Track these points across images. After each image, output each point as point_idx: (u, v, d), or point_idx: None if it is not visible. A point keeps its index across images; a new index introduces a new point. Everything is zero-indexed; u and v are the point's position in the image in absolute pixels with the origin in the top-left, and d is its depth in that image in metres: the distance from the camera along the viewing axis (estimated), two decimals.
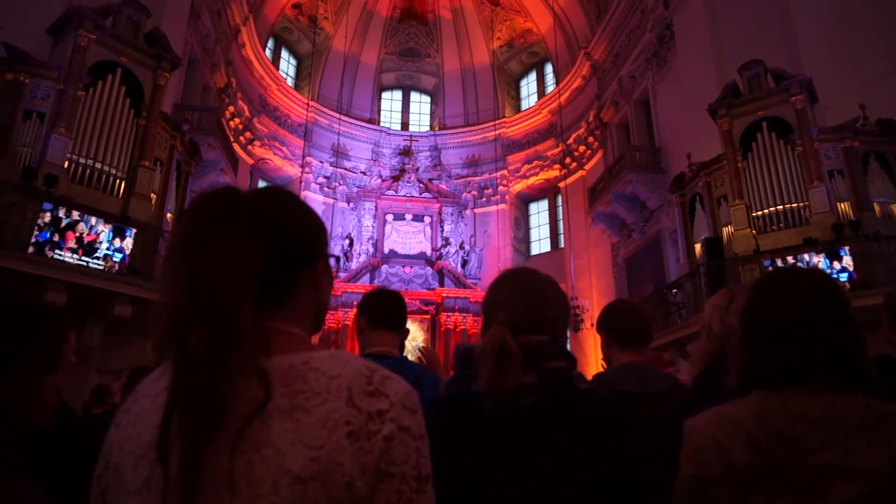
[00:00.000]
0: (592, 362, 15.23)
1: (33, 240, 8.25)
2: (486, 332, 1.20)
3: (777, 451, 1.04)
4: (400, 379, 0.79)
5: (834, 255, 9.48)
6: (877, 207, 9.84)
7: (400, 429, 0.74)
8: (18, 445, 0.99)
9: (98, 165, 9.23)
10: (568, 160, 19.90)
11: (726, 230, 11.00)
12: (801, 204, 10.17)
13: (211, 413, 0.69)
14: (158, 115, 10.15)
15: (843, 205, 9.92)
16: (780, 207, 10.37)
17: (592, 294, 17.61)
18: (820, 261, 9.52)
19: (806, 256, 9.68)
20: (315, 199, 20.23)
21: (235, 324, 0.73)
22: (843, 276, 9.21)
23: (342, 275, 18.93)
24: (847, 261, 9.36)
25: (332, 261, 0.95)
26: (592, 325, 16.19)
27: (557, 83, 20.62)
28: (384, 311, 2.08)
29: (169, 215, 10.41)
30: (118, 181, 9.45)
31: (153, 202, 9.97)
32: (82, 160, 9.06)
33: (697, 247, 11.61)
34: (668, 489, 1.20)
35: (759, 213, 10.58)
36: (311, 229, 0.92)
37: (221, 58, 16.22)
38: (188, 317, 0.73)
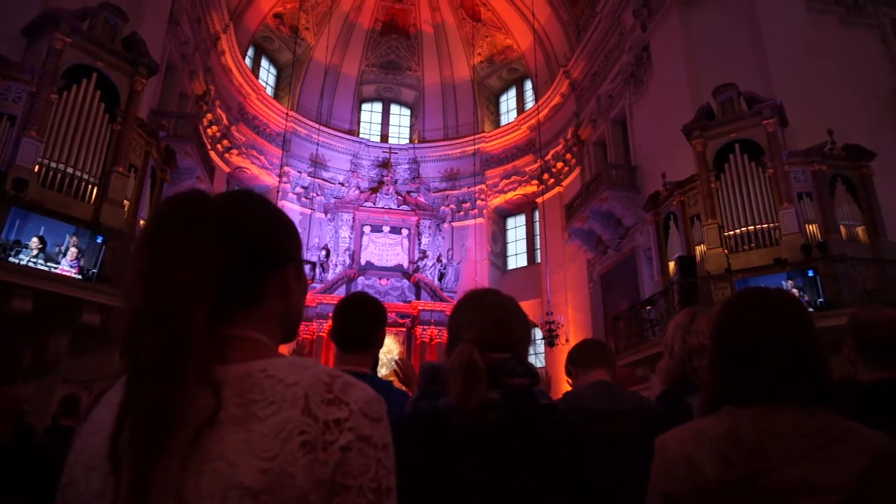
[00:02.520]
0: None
1: None
2: (451, 351, 1.21)
3: (747, 466, 1.05)
4: (364, 386, 0.75)
5: (804, 276, 9.69)
6: (843, 230, 10.11)
7: (359, 438, 0.70)
8: None
9: (70, 170, 9.05)
10: (546, 176, 20.09)
11: (699, 249, 11.18)
12: (772, 225, 10.38)
13: (160, 426, 0.67)
14: (134, 120, 10.01)
15: (811, 226, 10.16)
16: (752, 228, 10.57)
17: (568, 309, 17.73)
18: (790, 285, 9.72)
19: (786, 283, 9.75)
20: (292, 208, 20.09)
21: (188, 331, 0.70)
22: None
23: (318, 285, 18.80)
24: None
25: (307, 267, 0.94)
26: (567, 340, 16.31)
27: (536, 100, 20.86)
28: (350, 336, 2.05)
29: (142, 222, 10.25)
30: (90, 186, 9.28)
31: (126, 209, 9.82)
32: (53, 164, 8.88)
33: (671, 265, 11.77)
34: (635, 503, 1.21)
35: (731, 232, 10.77)
36: (280, 232, 0.89)
37: (200, 65, 16.10)
38: (143, 323, 0.71)
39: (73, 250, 8.78)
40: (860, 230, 10.18)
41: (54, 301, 8.29)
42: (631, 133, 15.78)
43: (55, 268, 8.53)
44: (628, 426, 1.77)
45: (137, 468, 0.65)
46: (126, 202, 9.82)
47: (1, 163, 8.39)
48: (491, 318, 1.25)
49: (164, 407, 0.67)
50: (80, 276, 8.75)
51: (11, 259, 8.10)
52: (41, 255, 8.43)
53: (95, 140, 9.41)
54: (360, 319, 2.07)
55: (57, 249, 8.63)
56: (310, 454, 0.68)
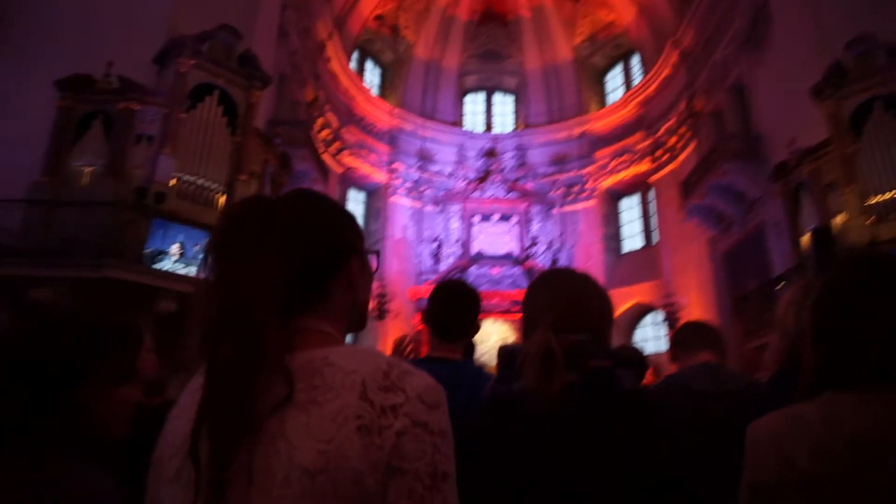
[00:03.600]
0: None
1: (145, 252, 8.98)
2: (528, 335, 1.17)
3: (845, 459, 0.92)
4: (423, 374, 0.77)
5: None
6: None
7: (414, 424, 0.72)
8: (94, 453, 1.06)
9: (200, 181, 9.90)
10: (658, 153, 19.13)
11: (838, 219, 10.17)
12: None
13: (237, 423, 0.71)
14: (252, 131, 10.75)
15: None
16: None
17: (689, 291, 16.81)
18: None
19: None
20: (403, 203, 20.66)
21: (262, 335, 0.74)
22: None
23: (432, 276, 19.18)
24: None
25: (373, 257, 0.96)
26: None
27: (644, 74, 19.89)
28: (444, 324, 2.03)
29: None
30: (217, 195, 10.08)
31: None
32: (186, 177, 9.74)
33: (804, 238, 10.81)
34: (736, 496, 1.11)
35: (877, 199, 9.68)
36: (342, 227, 0.92)
37: (309, 73, 16.92)
38: (219, 327, 0.76)
39: None
40: None
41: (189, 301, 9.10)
42: (751, 100, 14.61)
43: (191, 272, 9.37)
44: (735, 410, 1.63)
45: (215, 460, 0.70)
46: None
47: (143, 179, 9.33)
48: (568, 300, 1.20)
49: (240, 406, 0.72)
50: None
51: (156, 266, 9.00)
52: (181, 260, 9.29)
53: (219, 152, 10.22)
54: (453, 308, 2.06)
55: (194, 255, 9.48)
56: (365, 437, 0.70)
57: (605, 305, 1.25)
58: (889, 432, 0.92)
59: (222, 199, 10.14)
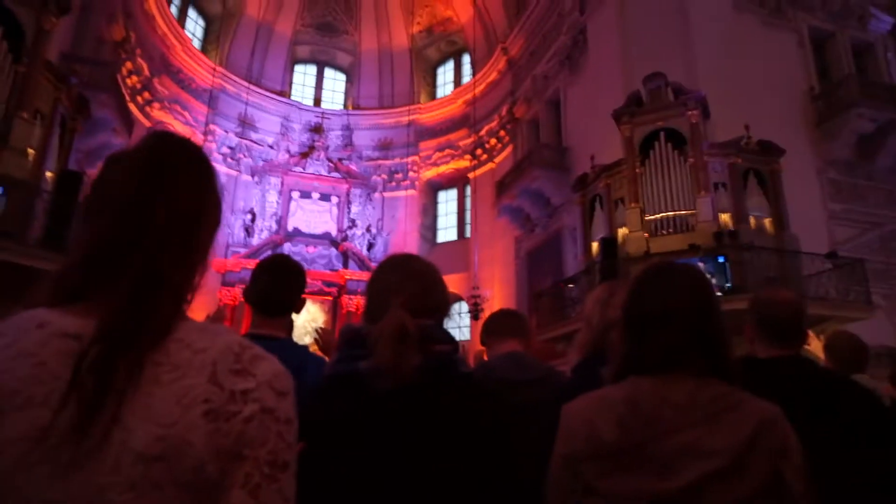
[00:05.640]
0: None
1: None
2: (374, 314, 1.20)
3: (642, 432, 1.11)
4: (273, 359, 0.74)
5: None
6: (752, 220, 10.74)
7: (263, 410, 0.68)
8: None
9: None
10: (479, 151, 20.20)
11: (621, 231, 11.59)
12: (689, 211, 10.88)
13: (106, 387, 0.65)
14: (42, 63, 9.25)
15: (724, 215, 10.72)
16: (671, 213, 11.04)
17: (494, 284, 18.04)
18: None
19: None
20: (218, 169, 19.19)
21: (162, 292, 0.72)
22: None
23: (242, 250, 18.23)
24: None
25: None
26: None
27: (474, 74, 20.80)
28: (268, 299, 1.98)
29: (49, 174, 9.55)
30: None
31: (31, 158, 9.11)
32: None
33: (594, 245, 12.15)
34: (542, 470, 1.26)
35: (652, 217, 11.21)
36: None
37: (120, 9, 15.01)
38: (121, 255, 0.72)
39: None
40: (767, 221, 10.83)
41: None
42: (564, 114, 16.05)
43: None
44: (537, 395, 1.82)
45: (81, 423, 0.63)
46: (31, 151, 9.10)
47: None
48: (420, 284, 1.25)
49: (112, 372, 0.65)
50: None
51: None
52: None
53: None
54: (280, 283, 2.01)
55: None
56: (212, 423, 0.65)
57: (446, 294, 1.32)
58: (671, 411, 1.13)
59: None
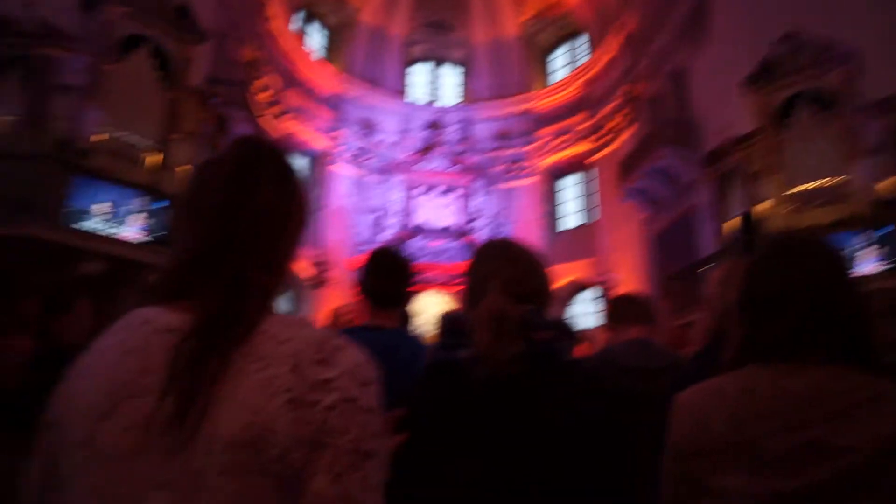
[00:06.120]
0: None
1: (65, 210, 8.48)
2: (473, 300, 1.17)
3: (756, 426, 0.99)
4: (356, 349, 0.75)
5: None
6: None
7: (344, 399, 0.70)
8: None
9: (128, 138, 9.38)
10: (599, 134, 19.53)
11: (761, 206, 10.70)
12: (840, 180, 9.80)
13: (206, 380, 0.70)
14: (187, 88, 10.24)
15: (884, 182, 9.52)
16: (818, 184, 10.01)
17: (623, 269, 17.40)
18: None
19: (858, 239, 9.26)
20: (344, 172, 20.31)
21: (250, 292, 0.77)
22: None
23: (370, 248, 19.02)
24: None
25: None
26: None
27: (589, 56, 20.14)
28: (380, 291, 2.01)
29: None
30: (147, 154, 9.60)
31: (183, 174, 10.14)
32: (113, 133, 9.21)
33: (730, 223, 11.33)
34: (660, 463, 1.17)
35: (796, 189, 10.23)
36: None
37: (249, 32, 16.22)
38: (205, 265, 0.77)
39: (138, 215, 9.16)
40: None
41: (121, 264, 8.70)
42: (689, 87, 15.07)
43: (118, 233, 8.93)
44: (663, 385, 1.71)
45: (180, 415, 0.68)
46: (182, 168, 10.13)
47: (65, 132, 8.75)
48: (519, 268, 1.21)
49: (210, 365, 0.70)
50: (150, 240, 9.17)
51: (77, 225, 8.52)
52: (108, 220, 8.84)
53: (151, 108, 9.70)
54: (388, 274, 2.04)
55: (120, 214, 9.04)
56: (295, 412, 0.68)
57: (547, 279, 1.27)
58: (792, 404, 0.99)
59: (157, 159, 9.66)
